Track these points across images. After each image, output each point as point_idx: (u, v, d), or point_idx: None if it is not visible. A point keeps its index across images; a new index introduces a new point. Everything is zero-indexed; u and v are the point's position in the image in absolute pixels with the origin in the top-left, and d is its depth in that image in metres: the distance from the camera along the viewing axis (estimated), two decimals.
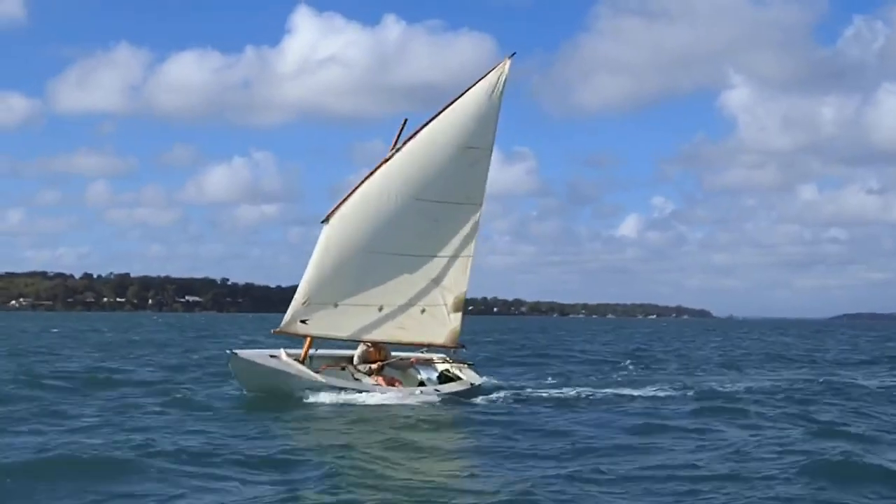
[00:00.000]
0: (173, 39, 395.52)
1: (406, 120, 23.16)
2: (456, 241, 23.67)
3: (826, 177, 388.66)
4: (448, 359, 24.97)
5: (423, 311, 23.77)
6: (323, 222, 22.87)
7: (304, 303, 22.78)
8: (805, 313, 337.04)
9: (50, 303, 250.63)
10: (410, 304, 23.61)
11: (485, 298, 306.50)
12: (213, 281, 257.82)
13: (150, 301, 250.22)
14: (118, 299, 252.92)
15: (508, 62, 23.31)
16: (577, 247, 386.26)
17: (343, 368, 23.43)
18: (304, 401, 21.26)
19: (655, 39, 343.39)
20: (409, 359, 24.43)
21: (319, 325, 22.87)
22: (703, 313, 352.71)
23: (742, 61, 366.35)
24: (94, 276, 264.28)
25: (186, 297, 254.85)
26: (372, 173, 22.89)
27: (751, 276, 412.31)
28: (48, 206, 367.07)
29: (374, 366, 23.53)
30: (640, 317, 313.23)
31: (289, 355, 22.48)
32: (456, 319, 24.16)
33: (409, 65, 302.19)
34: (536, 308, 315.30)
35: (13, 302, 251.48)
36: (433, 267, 23.67)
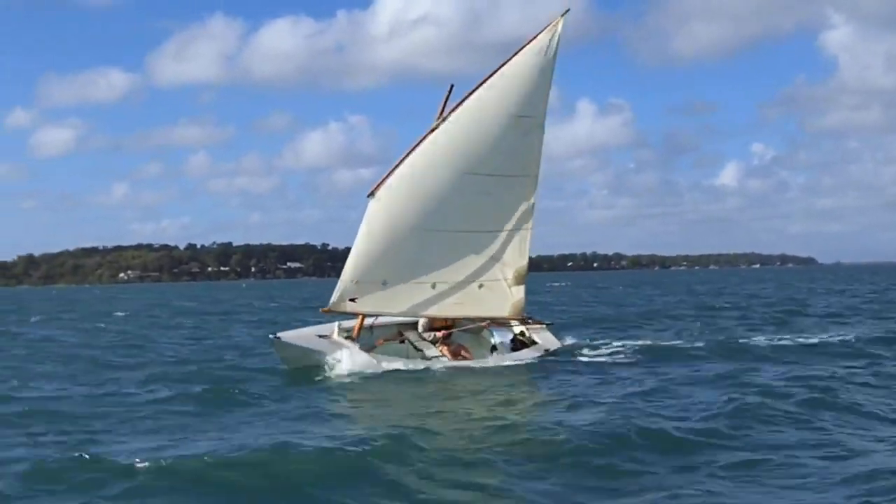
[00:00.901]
0: (266, 8, 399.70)
1: (452, 86, 21.88)
2: (511, 216, 22.42)
3: None
4: (526, 319, 23.90)
5: (480, 286, 22.66)
6: (369, 196, 21.78)
7: (353, 281, 21.80)
8: None
9: (157, 274, 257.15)
10: (466, 280, 22.50)
11: (584, 254, 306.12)
12: (314, 246, 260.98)
13: (252, 269, 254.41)
14: (222, 268, 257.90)
15: (561, 21, 21.77)
16: (676, 198, 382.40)
17: (402, 342, 22.56)
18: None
19: None
20: (481, 321, 23.39)
21: (369, 303, 21.88)
22: (808, 261, 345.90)
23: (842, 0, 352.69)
24: (198, 246, 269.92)
25: (288, 264, 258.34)
26: (418, 144, 21.67)
27: (857, 220, 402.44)
28: (151, 179, 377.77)
29: (439, 333, 22.65)
30: (744, 266, 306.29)
31: (342, 330, 21.59)
32: (519, 292, 23.02)
33: (501, 20, 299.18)
34: (637, 262, 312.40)
35: (122, 275, 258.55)
36: (488, 243, 22.49)
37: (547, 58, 21.63)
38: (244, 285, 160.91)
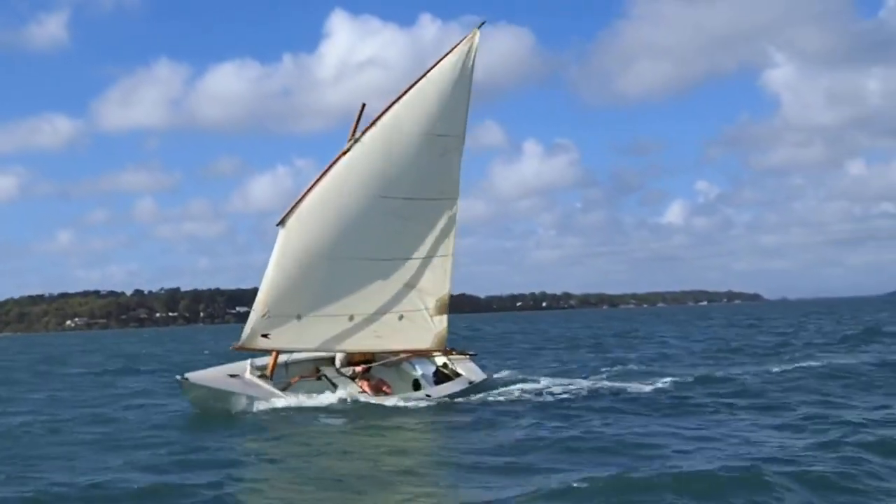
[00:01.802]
0: (212, 52, 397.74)
1: (364, 105, 20.57)
2: (430, 241, 21.12)
3: (874, 150, 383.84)
4: (448, 350, 22.75)
5: (400, 317, 21.33)
6: (278, 225, 20.35)
7: (264, 315, 20.37)
8: (859, 291, 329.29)
9: (104, 321, 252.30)
10: (385, 311, 21.16)
11: (533, 294, 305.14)
12: None
13: (201, 314, 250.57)
14: (170, 314, 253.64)
15: (478, 33, 20.58)
16: (623, 236, 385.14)
17: (319, 378, 21.13)
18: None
19: (694, 21, 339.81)
20: (402, 354, 22.11)
21: (282, 338, 20.46)
22: (754, 297, 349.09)
23: (783, 39, 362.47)
24: (146, 291, 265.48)
25: (237, 308, 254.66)
26: (329, 168, 20.30)
27: (801, 257, 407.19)
28: (97, 225, 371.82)
29: (358, 368, 21.37)
30: (691, 304, 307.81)
31: (255, 368, 20.12)
32: (441, 322, 21.73)
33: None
34: (586, 301, 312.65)
35: (69, 322, 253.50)
36: (407, 270, 21.16)
37: (464, 72, 20.40)
38: (145, 335, 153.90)
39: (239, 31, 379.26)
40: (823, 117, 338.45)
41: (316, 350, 21.09)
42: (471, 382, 21.85)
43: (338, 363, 21.70)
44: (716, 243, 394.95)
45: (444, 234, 21.12)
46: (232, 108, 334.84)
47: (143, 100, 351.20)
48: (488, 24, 20.98)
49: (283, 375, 20.86)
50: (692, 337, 51.67)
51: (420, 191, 20.68)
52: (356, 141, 20.23)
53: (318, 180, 20.24)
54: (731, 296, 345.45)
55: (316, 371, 21.45)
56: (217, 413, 19.31)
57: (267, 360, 20.56)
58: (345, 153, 20.24)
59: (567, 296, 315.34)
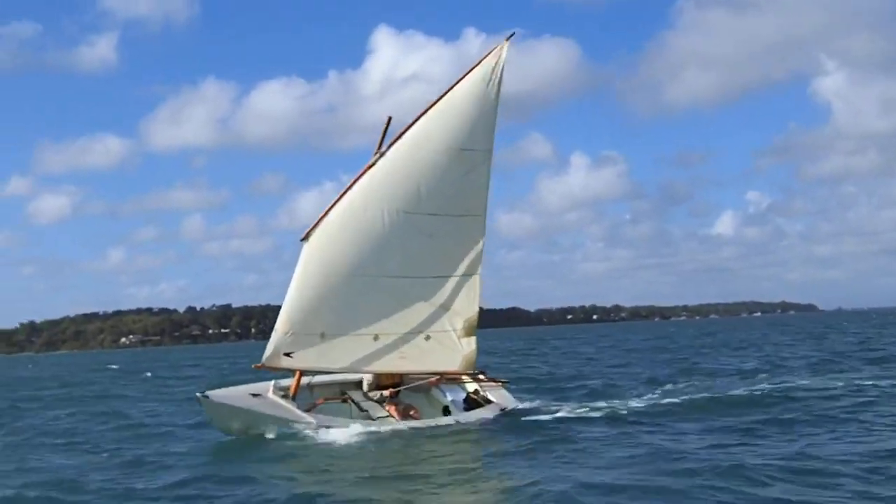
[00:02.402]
0: (258, 70, 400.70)
1: (390, 118, 20.00)
2: (458, 259, 20.49)
3: None
4: (480, 376, 22.08)
5: (427, 338, 20.69)
6: (302, 240, 19.85)
7: (287, 333, 19.85)
8: None
9: (158, 338, 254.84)
10: (411, 331, 20.52)
11: (583, 307, 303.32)
12: None
13: (252, 330, 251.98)
14: (222, 330, 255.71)
15: (506, 45, 19.96)
16: (672, 248, 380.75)
17: (345, 401, 20.58)
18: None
19: (743, 30, 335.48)
20: (430, 379, 21.44)
21: (306, 357, 19.88)
22: (809, 307, 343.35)
23: (834, 46, 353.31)
24: (198, 308, 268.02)
25: None
26: (354, 182, 19.80)
27: (856, 266, 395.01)
28: (147, 243, 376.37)
29: (386, 392, 20.75)
30: (744, 315, 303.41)
31: (279, 389, 19.62)
32: (469, 344, 21.05)
33: None
34: (637, 313, 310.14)
35: (123, 339, 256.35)
36: (433, 290, 20.52)
37: (492, 85, 19.81)
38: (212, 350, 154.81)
39: (285, 49, 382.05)
40: (876, 125, 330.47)
41: (340, 370, 20.50)
42: (502, 410, 21.13)
43: (365, 386, 21.13)
44: (768, 253, 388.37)
45: (472, 252, 20.48)
46: (278, 126, 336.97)
47: (190, 119, 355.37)
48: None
49: (307, 397, 20.30)
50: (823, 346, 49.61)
51: (446, 207, 20.09)
52: (381, 155, 19.74)
53: (342, 195, 19.74)
54: (784, 306, 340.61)
55: (342, 394, 20.89)
56: (237, 433, 18.94)
57: (291, 381, 20.07)
58: (370, 167, 19.74)
59: (618, 308, 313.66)
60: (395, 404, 20.54)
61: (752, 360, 38.63)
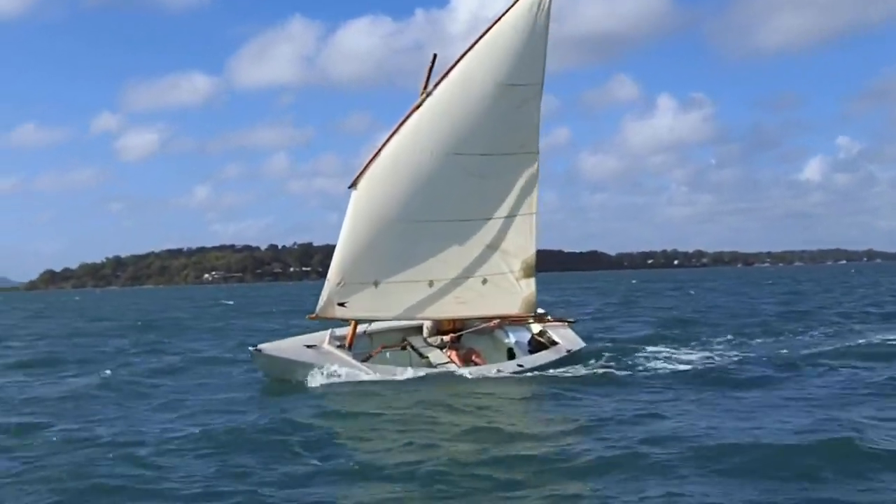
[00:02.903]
0: (345, 8, 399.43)
1: (435, 55, 19.10)
2: (511, 199, 19.64)
3: None
4: (545, 316, 21.49)
5: (483, 281, 20.01)
6: (350, 188, 19.26)
7: (339, 283, 19.40)
8: None
9: (240, 275, 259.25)
10: (466, 275, 19.86)
11: (664, 251, 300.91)
12: None
13: None
14: (304, 268, 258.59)
15: None
16: (758, 193, 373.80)
17: (404, 348, 20.16)
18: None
19: None
20: (489, 320, 20.85)
21: (360, 306, 19.41)
22: None
23: None
24: (279, 246, 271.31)
25: None
26: (400, 126, 19.02)
27: None
28: (232, 181, 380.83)
29: (446, 337, 20.24)
30: (829, 262, 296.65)
31: (335, 339, 19.23)
32: (528, 286, 20.29)
33: (581, 14, 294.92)
34: (719, 258, 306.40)
35: (206, 276, 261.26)
36: (488, 231, 19.76)
37: (540, 15, 18.68)
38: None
39: None
40: None
41: (396, 318, 20.01)
42: (568, 351, 20.48)
43: (425, 332, 20.61)
44: (856, 201, 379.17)
45: (526, 190, 19.64)
46: (364, 64, 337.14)
47: (277, 57, 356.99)
48: None
49: (367, 346, 19.94)
50: None
51: (497, 146, 19.22)
52: (428, 95, 18.92)
53: (389, 138, 19.02)
54: (871, 255, 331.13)
55: (402, 341, 20.42)
56: (292, 385, 18.56)
57: (346, 331, 19.66)
58: (416, 109, 18.95)
59: (699, 254, 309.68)
60: (457, 349, 20.05)
61: None
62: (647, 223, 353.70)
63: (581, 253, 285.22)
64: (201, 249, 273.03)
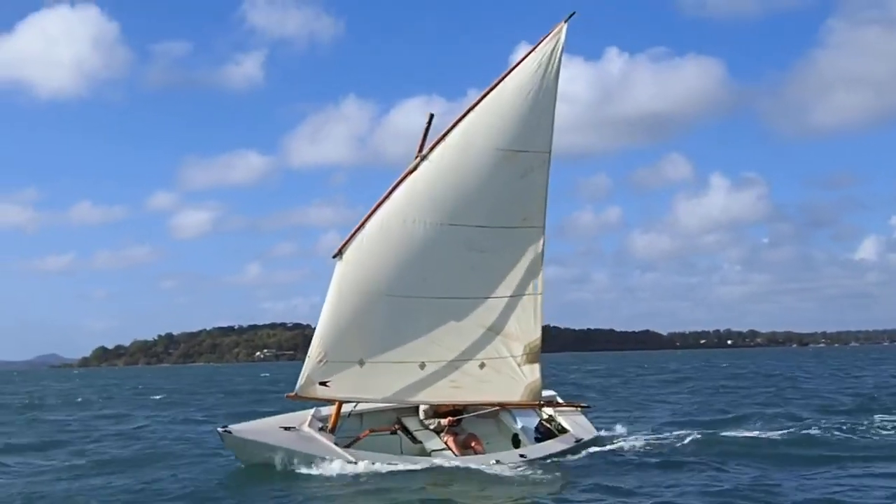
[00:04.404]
0: (398, 89, 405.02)
1: (432, 115, 17.48)
2: (513, 277, 17.78)
3: None
4: (555, 401, 19.88)
5: (481, 365, 18.08)
6: (335, 257, 17.60)
7: (321, 360, 17.66)
8: None
9: (292, 353, 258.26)
10: (462, 358, 17.96)
11: (717, 331, 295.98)
12: None
13: None
14: None
15: (564, 27, 17.14)
16: (813, 272, 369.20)
17: (394, 432, 18.34)
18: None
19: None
20: (491, 406, 19.00)
21: (343, 386, 17.58)
22: None
23: None
24: None
25: None
26: (392, 190, 17.37)
27: None
28: (283, 259, 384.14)
29: (444, 420, 18.42)
30: (886, 343, 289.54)
31: (318, 420, 17.57)
32: (533, 372, 18.30)
33: (633, 96, 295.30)
34: (773, 339, 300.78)
35: (258, 353, 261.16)
36: (486, 311, 17.87)
37: (548, 75, 17.03)
38: None
39: (425, 67, 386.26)
40: None
41: (383, 401, 18.17)
42: (578, 440, 18.67)
43: (421, 414, 18.80)
44: None
45: (530, 268, 17.76)
46: (416, 144, 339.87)
47: (330, 136, 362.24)
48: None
49: (356, 427, 18.17)
50: None
51: (497, 217, 17.46)
52: (423, 158, 17.28)
53: (379, 205, 17.35)
54: None
55: (395, 422, 18.59)
56: (266, 471, 16.70)
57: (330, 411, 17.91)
58: (409, 174, 17.30)
59: (753, 333, 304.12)
60: (455, 434, 18.26)
61: None
62: (700, 303, 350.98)
63: (633, 332, 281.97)
64: (253, 327, 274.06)
